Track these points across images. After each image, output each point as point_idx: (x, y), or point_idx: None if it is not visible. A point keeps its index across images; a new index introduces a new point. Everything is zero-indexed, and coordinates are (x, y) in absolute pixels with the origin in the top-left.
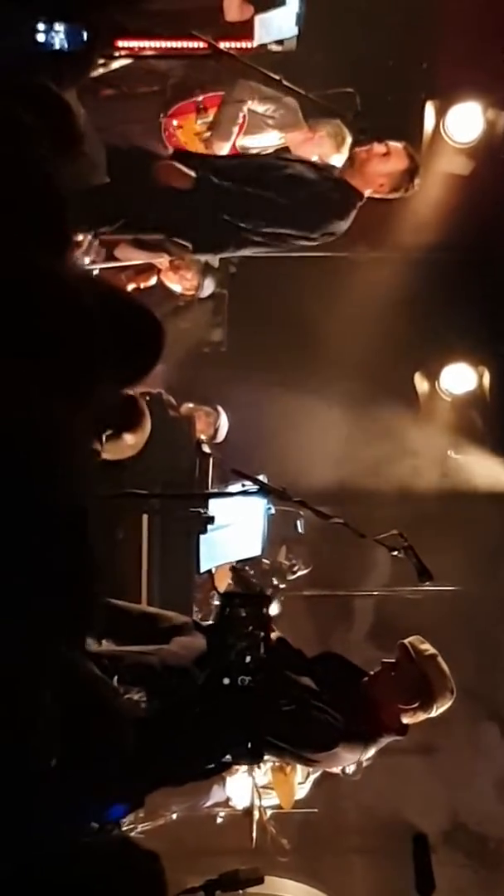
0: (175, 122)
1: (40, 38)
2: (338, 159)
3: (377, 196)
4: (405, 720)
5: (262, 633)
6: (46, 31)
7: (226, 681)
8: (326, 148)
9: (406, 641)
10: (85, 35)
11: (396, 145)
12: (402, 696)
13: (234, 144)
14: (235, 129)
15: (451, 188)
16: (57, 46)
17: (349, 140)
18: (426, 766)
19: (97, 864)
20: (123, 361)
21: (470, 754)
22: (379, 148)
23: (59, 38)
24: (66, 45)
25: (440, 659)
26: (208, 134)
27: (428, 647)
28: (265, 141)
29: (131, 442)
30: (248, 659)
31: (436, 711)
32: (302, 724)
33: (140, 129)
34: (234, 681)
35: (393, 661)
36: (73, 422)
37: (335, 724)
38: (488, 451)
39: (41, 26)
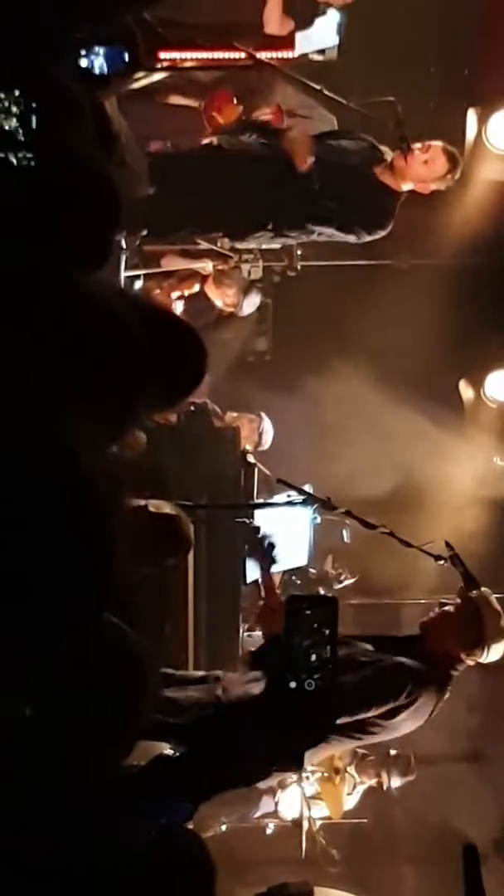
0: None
1: (81, 62)
2: None
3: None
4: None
5: (329, 633)
6: (87, 55)
7: (292, 684)
8: None
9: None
10: (126, 56)
11: (436, 145)
12: (458, 635)
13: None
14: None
15: (494, 194)
16: (97, 70)
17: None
18: (475, 773)
19: (154, 871)
20: (167, 383)
21: None
22: (420, 156)
23: (99, 62)
24: (106, 69)
25: (493, 600)
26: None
27: (484, 589)
28: None
29: (173, 562)
30: (313, 658)
31: (487, 654)
32: (374, 682)
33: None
34: (300, 684)
35: (448, 605)
36: (114, 441)
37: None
38: None
39: (82, 50)
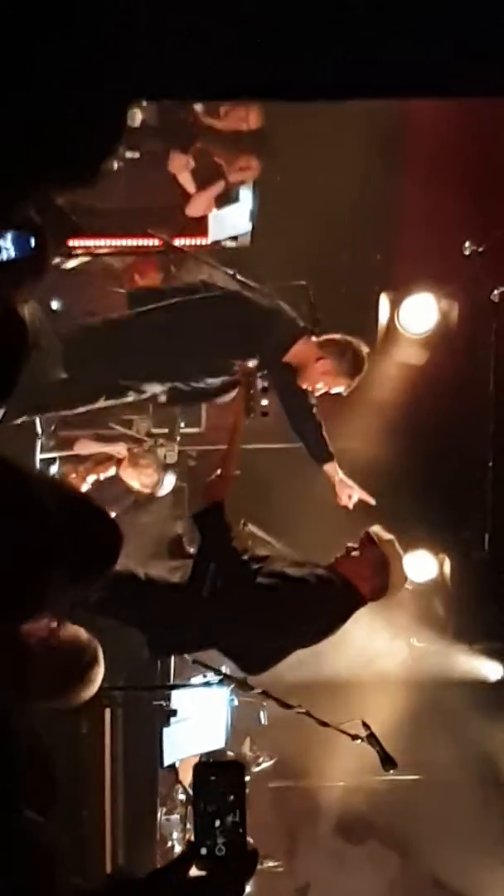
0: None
1: None
2: None
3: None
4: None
5: (235, 797)
6: None
7: (203, 851)
8: None
9: (369, 529)
10: (33, 242)
11: (334, 345)
12: (365, 572)
13: None
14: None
15: (406, 378)
16: (3, 257)
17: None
18: None
19: None
20: (80, 565)
21: None
22: (316, 353)
23: (5, 249)
24: (13, 254)
25: (397, 545)
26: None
27: (387, 534)
28: None
29: (87, 692)
30: (218, 823)
31: (391, 592)
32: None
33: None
34: (210, 851)
35: (356, 546)
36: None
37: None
38: (450, 639)
39: None
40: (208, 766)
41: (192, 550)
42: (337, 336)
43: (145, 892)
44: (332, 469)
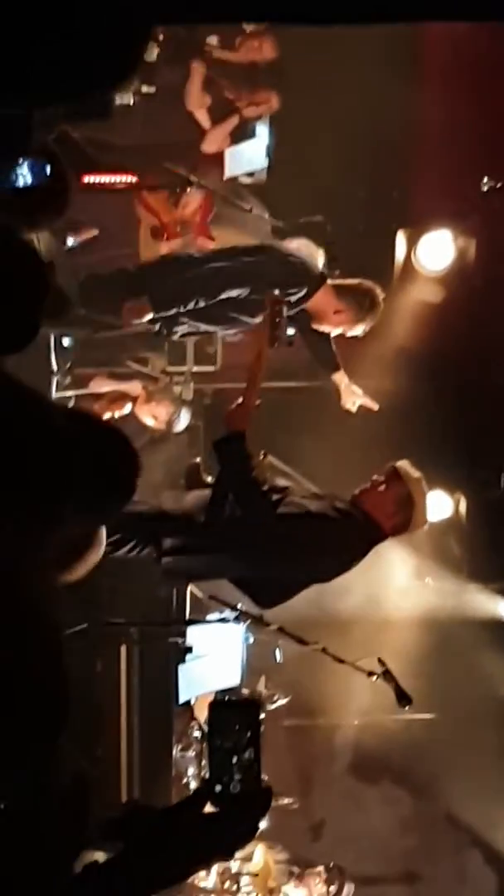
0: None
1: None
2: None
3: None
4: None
5: (251, 735)
6: (7, 169)
7: (217, 787)
8: None
9: (397, 464)
10: (48, 169)
11: (351, 294)
12: (389, 508)
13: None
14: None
15: (423, 316)
16: (20, 184)
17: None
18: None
19: None
20: (100, 493)
21: (454, 882)
22: (334, 304)
23: (21, 175)
24: (29, 181)
25: (424, 483)
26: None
27: (416, 472)
28: None
29: (92, 558)
30: (235, 760)
31: (411, 530)
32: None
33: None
34: (225, 787)
35: (382, 479)
36: (40, 553)
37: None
38: (465, 578)
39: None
40: (224, 704)
41: (209, 480)
42: (354, 282)
43: (160, 828)
44: (340, 377)
